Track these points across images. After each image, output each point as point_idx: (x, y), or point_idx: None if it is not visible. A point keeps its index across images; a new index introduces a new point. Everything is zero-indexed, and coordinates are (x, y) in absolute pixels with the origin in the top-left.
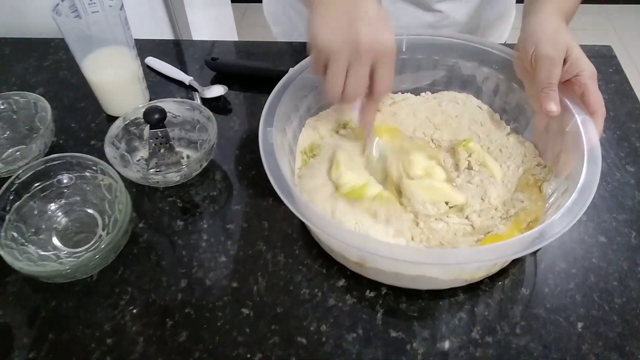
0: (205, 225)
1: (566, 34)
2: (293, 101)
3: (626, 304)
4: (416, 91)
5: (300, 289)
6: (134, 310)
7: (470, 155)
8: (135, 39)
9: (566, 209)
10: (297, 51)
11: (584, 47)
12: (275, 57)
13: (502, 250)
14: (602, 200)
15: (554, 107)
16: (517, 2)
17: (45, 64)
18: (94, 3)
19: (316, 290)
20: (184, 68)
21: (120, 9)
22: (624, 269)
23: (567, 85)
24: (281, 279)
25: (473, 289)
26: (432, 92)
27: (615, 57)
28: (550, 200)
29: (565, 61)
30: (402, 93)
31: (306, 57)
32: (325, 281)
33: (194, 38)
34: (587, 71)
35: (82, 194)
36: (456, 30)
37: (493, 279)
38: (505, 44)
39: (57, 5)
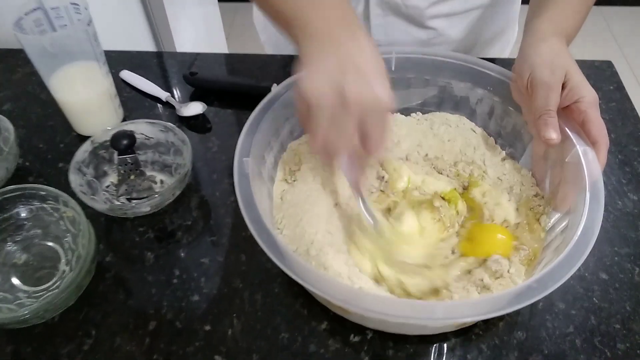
0: (178, 260)
1: (565, 56)
2: (274, 125)
3: (630, 350)
4: (406, 111)
5: (278, 333)
6: (97, 356)
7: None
8: (111, 51)
9: (567, 253)
10: (283, 65)
11: (583, 63)
12: (260, 72)
13: (494, 304)
14: (603, 231)
15: (553, 134)
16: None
17: (14, 77)
18: (62, 16)
19: (296, 334)
20: (162, 82)
21: (89, 24)
22: (627, 309)
23: (567, 111)
24: (258, 321)
25: (465, 333)
26: (423, 113)
27: (617, 73)
28: (550, 237)
29: (564, 86)
30: (392, 113)
31: (290, 73)
32: (306, 324)
33: (178, 48)
34: (588, 97)
35: (43, 226)
36: (450, 48)
37: (487, 321)
38: (508, 59)
39: (20, 19)
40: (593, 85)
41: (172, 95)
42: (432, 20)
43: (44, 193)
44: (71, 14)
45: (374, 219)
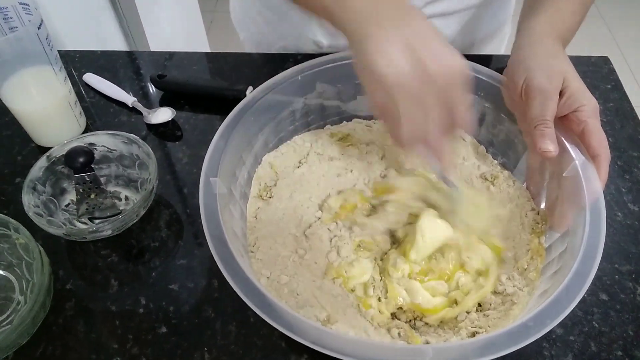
0: (145, 286)
1: (563, 60)
2: (246, 137)
3: None
4: None
5: None
6: None
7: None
8: (74, 51)
9: (565, 285)
10: (260, 65)
11: (578, 59)
12: (235, 72)
13: (488, 347)
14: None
15: (550, 146)
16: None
17: None
18: (11, 18)
19: None
20: (131, 85)
21: (39, 27)
22: (629, 334)
23: (565, 121)
24: (232, 355)
25: None
26: None
27: (614, 70)
28: (547, 259)
29: (562, 93)
30: (375, 121)
31: (268, 75)
32: (284, 357)
33: (153, 47)
34: (588, 106)
35: None
36: None
37: None
38: (503, 56)
39: None
40: (589, 84)
41: (141, 99)
42: (428, 19)
43: None
44: (21, 14)
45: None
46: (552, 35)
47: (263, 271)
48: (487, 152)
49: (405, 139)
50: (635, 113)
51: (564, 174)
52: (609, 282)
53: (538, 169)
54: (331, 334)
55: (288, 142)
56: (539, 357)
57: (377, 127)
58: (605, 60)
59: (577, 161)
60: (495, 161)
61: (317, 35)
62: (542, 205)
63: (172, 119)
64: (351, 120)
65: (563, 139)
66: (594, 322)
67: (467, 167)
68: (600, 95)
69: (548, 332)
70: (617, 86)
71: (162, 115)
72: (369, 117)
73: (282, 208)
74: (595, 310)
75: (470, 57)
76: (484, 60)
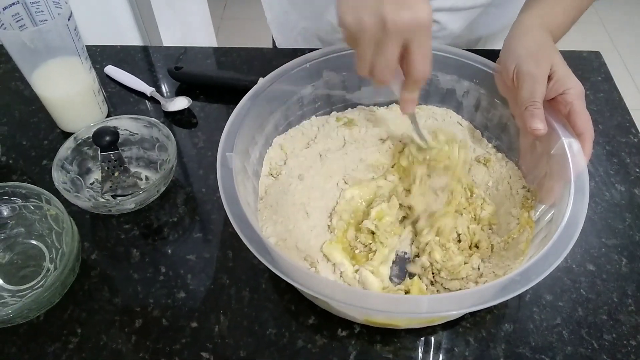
0: (164, 257)
1: (550, 48)
2: (258, 119)
3: (616, 341)
4: (392, 104)
5: (266, 329)
6: (84, 355)
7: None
8: (95, 45)
9: (550, 245)
10: (269, 59)
11: (571, 53)
12: (246, 65)
13: (479, 297)
14: (591, 223)
15: (539, 125)
16: None
17: None
18: (42, 11)
19: (283, 330)
20: (148, 77)
21: (69, 19)
22: (614, 300)
23: (552, 103)
24: (245, 318)
25: (453, 326)
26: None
27: (605, 64)
28: (536, 229)
29: (549, 78)
30: (378, 107)
31: (276, 66)
32: (294, 319)
33: (165, 43)
34: (574, 89)
35: (26, 224)
36: (453, 42)
37: (474, 313)
38: None
39: None
40: (581, 77)
41: (158, 90)
42: (435, 13)
43: (25, 191)
44: (51, 8)
45: (423, 139)
46: (542, 27)
47: (272, 239)
48: (482, 135)
49: (364, 74)
50: (624, 103)
51: (552, 152)
52: (596, 254)
53: (529, 149)
54: (327, 281)
55: (297, 126)
56: (530, 320)
57: (380, 113)
58: (596, 55)
59: (563, 139)
60: (490, 144)
61: (334, 17)
62: (533, 182)
63: (188, 108)
64: (355, 107)
65: (551, 119)
66: (581, 290)
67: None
68: (591, 86)
69: (538, 298)
70: (607, 78)
71: (179, 103)
72: (374, 104)
73: (289, 181)
74: (582, 280)
75: (477, 52)
76: (491, 55)
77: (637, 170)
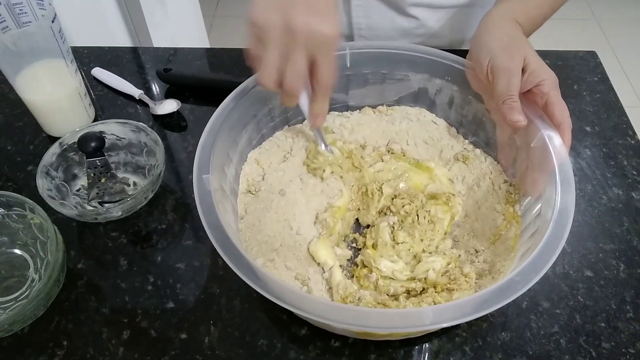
0: (153, 265)
1: (521, 40)
2: (231, 135)
3: (615, 349)
4: (364, 107)
5: (257, 340)
6: None
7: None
8: (82, 47)
9: (546, 239)
10: None
11: (567, 53)
12: (237, 66)
13: (480, 303)
14: (588, 227)
15: (519, 116)
16: None
17: None
18: (25, 13)
19: (275, 340)
20: (137, 79)
21: (53, 20)
22: (612, 307)
23: (528, 95)
24: (236, 328)
25: (448, 335)
26: (382, 107)
27: (601, 64)
28: (524, 223)
29: (523, 70)
30: (351, 112)
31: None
32: (286, 329)
33: (155, 44)
34: (549, 80)
35: (10, 233)
36: (437, 42)
37: (470, 322)
38: None
39: None
40: (577, 77)
41: (147, 93)
42: (413, 8)
43: (8, 200)
44: (35, 9)
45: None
46: (511, 20)
47: (259, 260)
48: (458, 132)
49: (265, 77)
50: (621, 104)
51: (532, 145)
52: (593, 260)
53: (507, 142)
54: (326, 303)
55: (270, 138)
56: (527, 328)
57: (353, 118)
58: (592, 55)
59: (543, 131)
60: (467, 140)
61: None
62: (513, 176)
63: (177, 111)
64: (328, 114)
65: (528, 112)
66: (579, 297)
67: (441, 148)
68: (587, 87)
69: (535, 305)
70: (604, 78)
71: (168, 106)
72: (346, 109)
73: (269, 198)
74: (580, 286)
75: (455, 51)
76: (466, 54)
77: (635, 172)
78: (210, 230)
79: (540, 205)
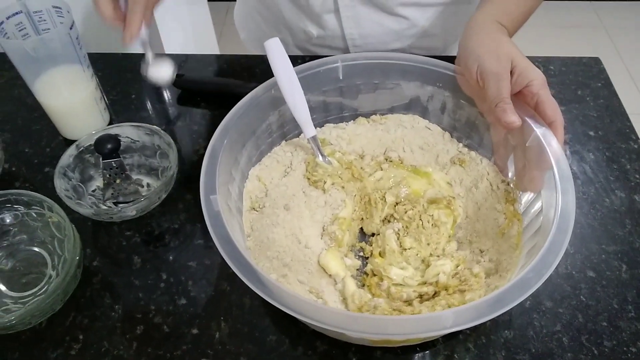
0: (165, 263)
1: (507, 43)
2: (232, 154)
3: (616, 348)
4: (365, 115)
5: (266, 335)
6: None
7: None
8: (97, 53)
9: (553, 234)
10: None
11: (571, 59)
12: (247, 72)
13: (502, 302)
14: (591, 229)
15: (514, 118)
16: None
17: None
18: (45, 21)
19: (284, 336)
20: (149, 84)
21: (71, 28)
22: (614, 307)
23: (518, 96)
24: (246, 324)
25: (452, 332)
26: (375, 117)
27: (604, 69)
28: (525, 221)
29: (512, 72)
30: (346, 123)
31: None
32: (294, 325)
33: (167, 50)
34: (538, 80)
35: (29, 232)
36: (429, 43)
37: None
38: None
39: (2, 23)
40: (581, 82)
41: (159, 98)
42: (402, 7)
43: (27, 199)
44: (54, 17)
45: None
46: (495, 23)
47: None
48: (452, 136)
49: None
50: (624, 109)
51: (527, 144)
52: (596, 260)
53: (502, 143)
54: (346, 314)
55: (269, 154)
56: (530, 327)
57: (349, 129)
58: (596, 61)
59: (537, 131)
60: (461, 144)
61: (307, 26)
62: (510, 175)
63: (189, 116)
64: (324, 126)
65: (520, 113)
66: (581, 297)
67: (437, 153)
68: (591, 93)
69: (538, 304)
70: (607, 84)
71: (164, 69)
72: (340, 120)
73: (274, 213)
74: (582, 286)
75: (452, 59)
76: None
77: (637, 176)
78: (226, 253)
79: (540, 202)
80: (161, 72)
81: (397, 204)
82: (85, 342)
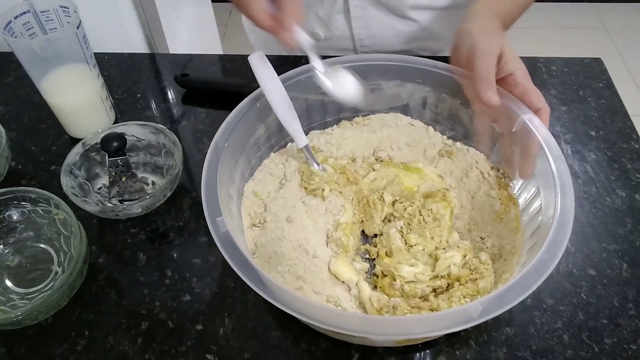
0: (170, 260)
1: (499, 32)
2: (227, 172)
3: (617, 345)
4: (349, 118)
5: (270, 332)
6: (91, 356)
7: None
8: (103, 53)
9: (550, 239)
10: (273, 65)
11: (573, 60)
12: (251, 72)
13: (521, 288)
14: (592, 228)
15: (494, 96)
16: None
17: (6, 81)
18: (52, 20)
19: (287, 332)
20: (154, 83)
21: (78, 27)
22: (614, 305)
23: (504, 85)
24: (250, 320)
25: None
26: (358, 118)
27: (606, 70)
28: (522, 205)
29: (499, 59)
30: (331, 128)
31: (279, 74)
32: (297, 322)
33: (171, 50)
34: (521, 70)
35: (35, 228)
36: (440, 46)
37: None
38: None
39: (10, 23)
40: (582, 83)
41: (163, 97)
42: (412, 11)
43: (34, 196)
44: (61, 17)
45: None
46: (492, 14)
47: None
48: (435, 130)
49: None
50: (625, 109)
51: (513, 130)
52: (597, 259)
53: (487, 131)
54: (373, 319)
55: (260, 168)
56: (531, 324)
57: (336, 134)
58: (598, 62)
59: (522, 116)
60: (445, 136)
61: (315, 28)
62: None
63: (193, 115)
64: (309, 133)
65: (505, 100)
66: (582, 294)
67: (423, 148)
68: (592, 93)
69: (539, 302)
70: (609, 84)
71: (346, 81)
72: (324, 126)
73: (276, 227)
74: (583, 284)
75: (438, 58)
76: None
77: (638, 176)
78: (244, 274)
79: (536, 182)
80: (345, 87)
81: (394, 202)
82: (90, 338)
